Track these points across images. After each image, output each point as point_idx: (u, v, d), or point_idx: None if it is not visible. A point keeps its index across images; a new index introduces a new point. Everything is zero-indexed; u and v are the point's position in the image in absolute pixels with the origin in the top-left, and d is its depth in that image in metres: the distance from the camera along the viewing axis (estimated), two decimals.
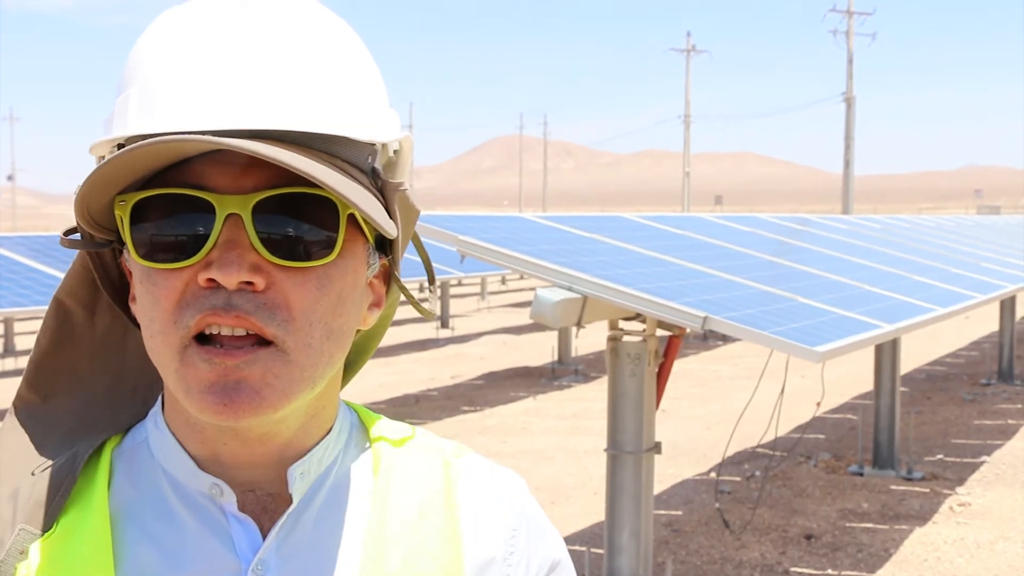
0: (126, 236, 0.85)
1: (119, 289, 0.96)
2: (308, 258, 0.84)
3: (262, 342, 0.83)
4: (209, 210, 0.82)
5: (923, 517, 6.59)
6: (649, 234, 6.11)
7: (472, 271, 15.56)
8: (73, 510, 0.90)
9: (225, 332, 0.82)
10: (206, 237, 0.82)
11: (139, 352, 0.97)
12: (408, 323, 18.74)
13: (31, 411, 0.97)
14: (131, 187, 0.84)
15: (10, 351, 15.95)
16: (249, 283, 0.82)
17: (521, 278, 32.09)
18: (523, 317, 19.90)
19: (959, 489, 7.20)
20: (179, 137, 0.78)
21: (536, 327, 17.62)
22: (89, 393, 0.98)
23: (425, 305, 1.01)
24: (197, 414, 0.84)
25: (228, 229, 0.82)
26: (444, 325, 17.80)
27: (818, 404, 7.85)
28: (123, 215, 0.84)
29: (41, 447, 0.94)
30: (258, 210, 0.82)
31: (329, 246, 0.85)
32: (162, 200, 0.83)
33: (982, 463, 7.96)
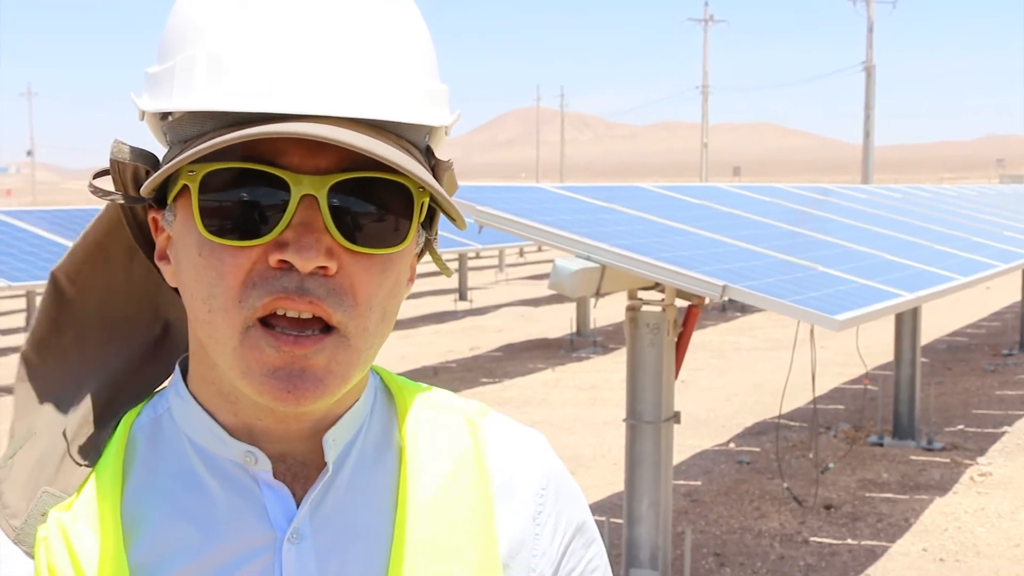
0: (194, 208, 0.82)
1: (150, 241, 0.93)
2: (380, 245, 0.83)
3: (326, 328, 0.82)
4: (283, 187, 0.80)
5: (943, 487, 6.58)
6: (667, 204, 6.09)
7: (490, 243, 15.53)
8: (91, 485, 0.88)
9: (291, 315, 0.81)
10: (279, 216, 0.80)
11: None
12: (427, 295, 18.77)
13: (56, 356, 0.95)
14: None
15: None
16: (323, 267, 0.81)
17: (539, 250, 32.06)
18: (541, 289, 19.89)
19: (980, 459, 7.18)
20: (274, 129, 0.76)
21: (554, 299, 17.62)
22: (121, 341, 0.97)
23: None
24: (255, 396, 0.83)
25: (303, 210, 0.80)
26: (462, 297, 17.80)
27: (866, 381, 7.74)
28: (192, 185, 0.82)
29: (68, 400, 0.93)
30: (333, 192, 0.81)
31: (401, 234, 0.84)
32: (232, 173, 0.81)
33: (1003, 433, 7.93)
